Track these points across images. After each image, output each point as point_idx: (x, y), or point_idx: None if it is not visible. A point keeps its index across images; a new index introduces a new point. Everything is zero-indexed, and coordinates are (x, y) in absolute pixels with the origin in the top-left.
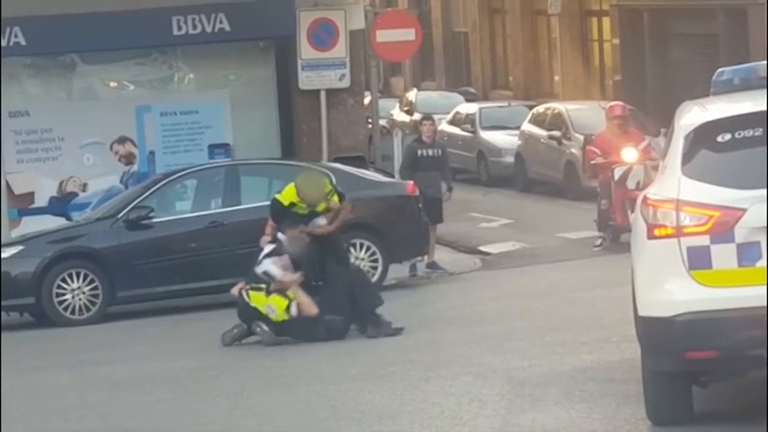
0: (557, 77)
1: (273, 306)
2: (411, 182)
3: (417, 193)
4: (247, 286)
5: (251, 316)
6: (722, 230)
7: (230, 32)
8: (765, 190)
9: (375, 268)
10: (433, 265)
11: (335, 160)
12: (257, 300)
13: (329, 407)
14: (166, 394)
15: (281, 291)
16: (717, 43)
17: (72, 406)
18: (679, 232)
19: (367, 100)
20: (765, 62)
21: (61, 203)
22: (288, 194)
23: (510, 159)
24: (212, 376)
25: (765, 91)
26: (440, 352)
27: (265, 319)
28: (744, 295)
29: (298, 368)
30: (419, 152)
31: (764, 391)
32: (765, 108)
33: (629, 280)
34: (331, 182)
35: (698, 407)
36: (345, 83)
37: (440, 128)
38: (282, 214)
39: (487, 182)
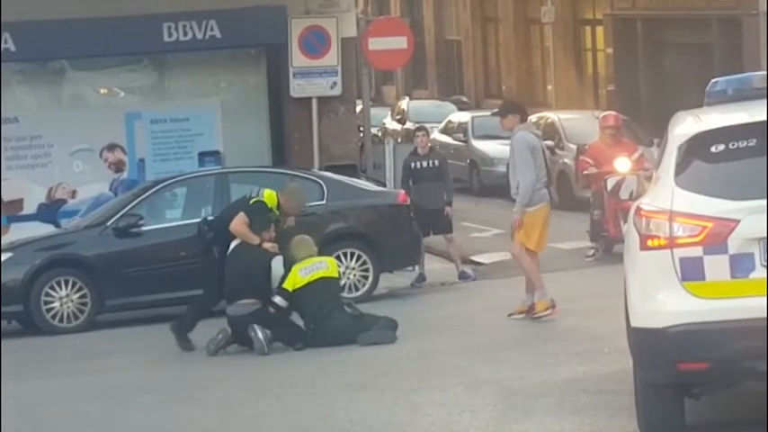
0: (550, 87)
1: (324, 262)
2: (402, 191)
3: (409, 202)
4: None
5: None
6: (715, 242)
7: (221, 39)
8: (759, 201)
9: (366, 278)
10: (464, 275)
11: (327, 169)
12: (292, 274)
13: (320, 417)
14: (156, 403)
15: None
16: (711, 53)
17: (62, 414)
18: (672, 243)
19: (359, 108)
20: (759, 73)
21: (50, 210)
22: (270, 200)
23: (502, 169)
24: (203, 386)
25: (759, 102)
26: (431, 362)
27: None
28: (737, 307)
29: (288, 378)
30: (412, 165)
31: (756, 403)
32: (759, 119)
33: (622, 291)
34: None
35: (690, 419)
36: (337, 91)
37: (431, 137)
38: (264, 217)
39: (480, 191)
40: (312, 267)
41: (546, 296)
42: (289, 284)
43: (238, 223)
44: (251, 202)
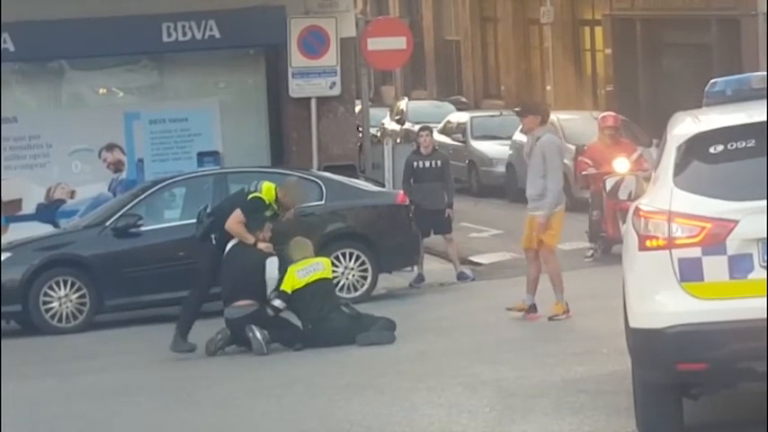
0: (549, 87)
1: (321, 263)
2: (401, 191)
3: (408, 202)
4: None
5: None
6: (714, 242)
7: (220, 40)
8: (757, 202)
9: (364, 278)
10: (462, 276)
11: (326, 169)
12: (289, 276)
13: (318, 417)
14: (155, 403)
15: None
16: (710, 54)
17: (59, 415)
18: (671, 244)
19: (358, 108)
20: (758, 73)
21: (49, 210)
22: (268, 194)
23: (501, 169)
24: (201, 386)
25: (758, 102)
26: (430, 363)
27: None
28: (735, 307)
29: (287, 378)
30: (415, 164)
31: (755, 404)
32: (758, 120)
33: (621, 291)
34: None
35: (688, 419)
36: (336, 91)
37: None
38: (261, 215)
39: (478, 192)
40: (309, 269)
41: (563, 300)
42: (287, 286)
43: (234, 222)
44: (249, 197)
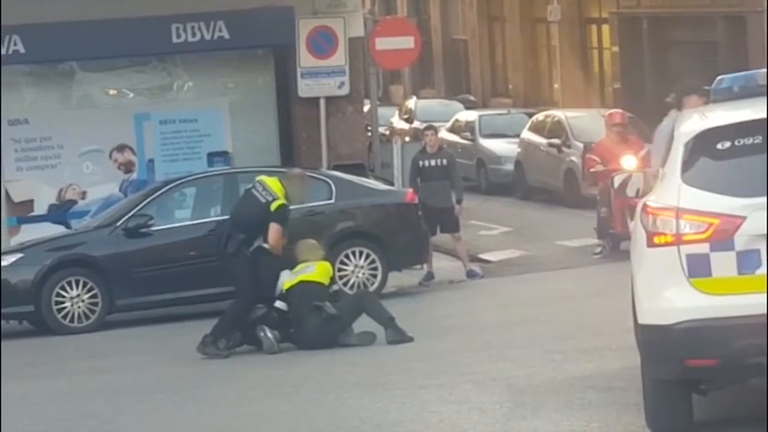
0: (556, 85)
1: (312, 266)
2: (410, 190)
3: (417, 200)
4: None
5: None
6: (722, 238)
7: (229, 40)
8: (764, 198)
9: (374, 276)
10: (471, 273)
11: (335, 168)
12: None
13: (328, 415)
14: (165, 402)
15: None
16: (716, 51)
17: (70, 414)
18: (679, 240)
19: (366, 108)
20: (764, 70)
21: (60, 211)
22: (280, 191)
23: (509, 167)
24: (211, 384)
25: (764, 99)
26: (439, 360)
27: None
28: (743, 303)
29: (297, 376)
30: (420, 163)
31: (764, 400)
32: (764, 116)
33: (629, 288)
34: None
35: (697, 415)
36: (345, 90)
37: (438, 135)
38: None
39: (487, 189)
40: (299, 271)
41: None
42: (284, 287)
43: (277, 239)
44: (274, 209)
